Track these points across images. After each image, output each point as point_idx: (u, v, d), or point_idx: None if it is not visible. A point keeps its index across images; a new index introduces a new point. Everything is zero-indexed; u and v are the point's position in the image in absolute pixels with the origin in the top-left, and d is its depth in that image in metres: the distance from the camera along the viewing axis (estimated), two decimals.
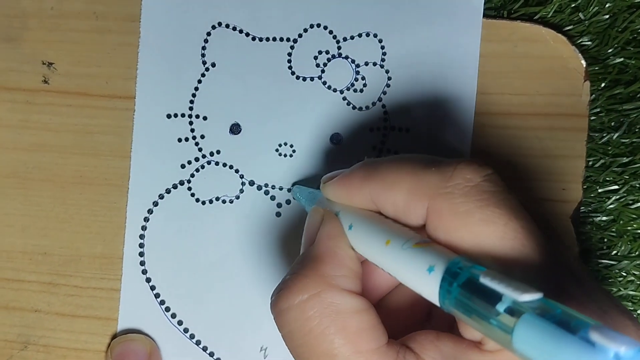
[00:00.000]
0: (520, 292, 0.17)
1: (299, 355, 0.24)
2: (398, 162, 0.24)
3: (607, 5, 0.34)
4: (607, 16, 0.34)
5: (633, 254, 0.35)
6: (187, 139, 0.34)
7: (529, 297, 0.17)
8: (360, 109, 0.34)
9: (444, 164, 0.23)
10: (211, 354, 0.33)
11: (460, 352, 0.22)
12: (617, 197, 0.35)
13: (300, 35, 0.34)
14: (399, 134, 0.34)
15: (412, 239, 0.22)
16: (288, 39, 0.34)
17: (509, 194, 0.22)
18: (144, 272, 0.34)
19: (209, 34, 0.34)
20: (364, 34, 0.34)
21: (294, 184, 0.34)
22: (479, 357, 0.21)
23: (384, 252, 0.23)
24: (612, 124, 0.35)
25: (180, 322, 0.34)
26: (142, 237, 0.34)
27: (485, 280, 0.18)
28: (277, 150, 0.34)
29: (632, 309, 0.35)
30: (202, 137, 0.34)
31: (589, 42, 0.35)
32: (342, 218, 0.25)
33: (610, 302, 0.23)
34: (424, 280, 0.21)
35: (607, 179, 0.35)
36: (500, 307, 0.17)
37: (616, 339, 0.14)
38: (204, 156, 0.34)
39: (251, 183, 0.34)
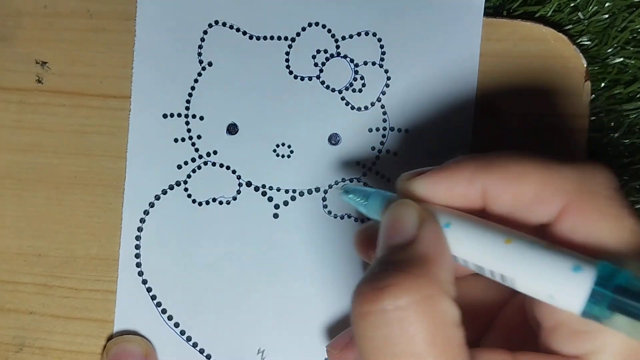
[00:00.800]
0: None
1: None
2: (519, 155, 0.22)
3: (606, 5, 0.34)
4: (607, 15, 0.34)
5: None
6: (183, 139, 0.34)
7: None
8: (359, 109, 0.34)
9: (579, 162, 0.22)
10: (208, 357, 0.33)
11: None
12: None
13: (298, 34, 0.33)
14: (398, 134, 0.33)
15: (536, 239, 0.21)
16: (286, 38, 0.34)
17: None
18: (140, 273, 0.33)
19: (205, 32, 0.34)
20: (362, 33, 0.33)
21: (343, 186, 0.30)
22: None
23: (504, 251, 0.21)
24: (612, 124, 0.35)
25: (177, 324, 0.33)
26: (138, 238, 0.34)
27: None
28: (274, 150, 0.33)
29: None
30: (199, 137, 0.34)
31: (588, 42, 0.34)
32: (437, 216, 0.23)
33: None
34: (567, 281, 0.19)
35: None
36: None
37: None
38: (200, 157, 0.34)
39: (248, 184, 0.34)
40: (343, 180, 0.33)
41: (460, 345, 0.20)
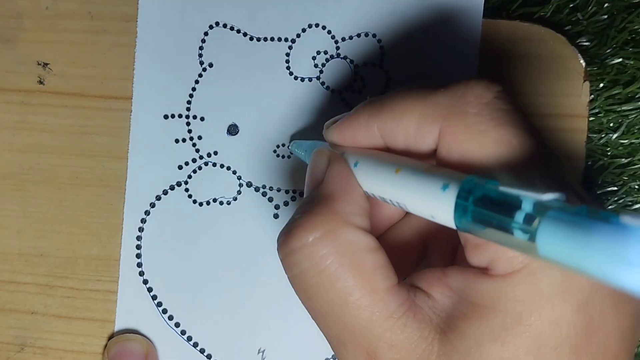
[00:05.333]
0: (541, 193, 0.17)
1: (309, 297, 0.23)
2: (405, 92, 0.24)
3: (605, 5, 0.34)
4: (606, 16, 0.34)
5: None
6: (184, 140, 0.34)
7: (551, 196, 0.17)
8: None
9: (453, 84, 0.23)
10: (208, 356, 0.33)
11: (468, 282, 0.21)
12: (616, 198, 0.35)
13: (298, 36, 0.34)
14: None
15: (422, 165, 0.22)
16: (286, 39, 0.34)
17: (521, 112, 0.22)
18: (141, 273, 0.34)
19: (206, 34, 0.34)
20: (362, 34, 0.34)
21: (291, 140, 0.33)
22: (488, 284, 0.21)
23: (393, 180, 0.22)
24: (611, 124, 0.35)
25: (177, 324, 0.33)
26: (139, 238, 0.34)
27: (504, 188, 0.18)
28: (274, 151, 0.34)
29: None
30: (200, 138, 0.34)
31: (587, 43, 0.35)
32: (347, 157, 0.25)
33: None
34: (438, 199, 0.20)
35: (606, 180, 0.35)
36: (520, 213, 0.17)
37: None
38: (201, 157, 0.34)
39: (249, 184, 0.34)
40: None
41: (375, 267, 0.22)
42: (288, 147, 0.33)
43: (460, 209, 0.19)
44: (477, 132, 0.21)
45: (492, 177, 0.20)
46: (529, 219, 0.17)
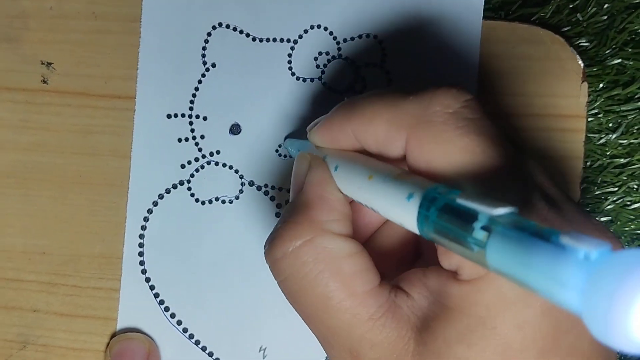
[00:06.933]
0: (493, 207, 0.17)
1: (295, 301, 0.24)
2: (376, 96, 0.24)
3: (605, 6, 0.35)
4: (605, 17, 0.35)
5: None
6: (187, 139, 0.34)
7: (503, 210, 0.17)
8: None
9: (421, 92, 0.23)
10: (210, 354, 0.34)
11: (441, 284, 0.22)
12: (615, 198, 0.35)
13: (300, 37, 0.34)
14: None
15: (394, 172, 0.22)
16: (288, 40, 0.34)
17: (488, 120, 0.22)
18: (144, 271, 0.34)
19: (209, 34, 0.34)
20: (363, 35, 0.34)
21: (285, 138, 0.34)
22: (456, 287, 0.21)
23: (366, 186, 0.23)
24: (610, 125, 0.35)
25: (179, 322, 0.34)
26: (141, 237, 0.34)
27: (462, 201, 0.18)
28: (276, 150, 0.34)
29: None
30: (202, 137, 0.34)
31: (587, 43, 0.35)
32: (328, 161, 0.25)
33: (586, 220, 0.23)
34: (403, 208, 0.21)
35: (605, 180, 0.35)
36: (477, 225, 0.17)
37: (586, 241, 0.14)
38: (203, 156, 0.34)
39: (251, 183, 0.34)
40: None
41: (354, 271, 0.23)
42: (283, 145, 0.34)
43: (422, 219, 0.20)
44: (442, 141, 0.22)
45: (457, 186, 0.20)
46: (484, 229, 0.17)
